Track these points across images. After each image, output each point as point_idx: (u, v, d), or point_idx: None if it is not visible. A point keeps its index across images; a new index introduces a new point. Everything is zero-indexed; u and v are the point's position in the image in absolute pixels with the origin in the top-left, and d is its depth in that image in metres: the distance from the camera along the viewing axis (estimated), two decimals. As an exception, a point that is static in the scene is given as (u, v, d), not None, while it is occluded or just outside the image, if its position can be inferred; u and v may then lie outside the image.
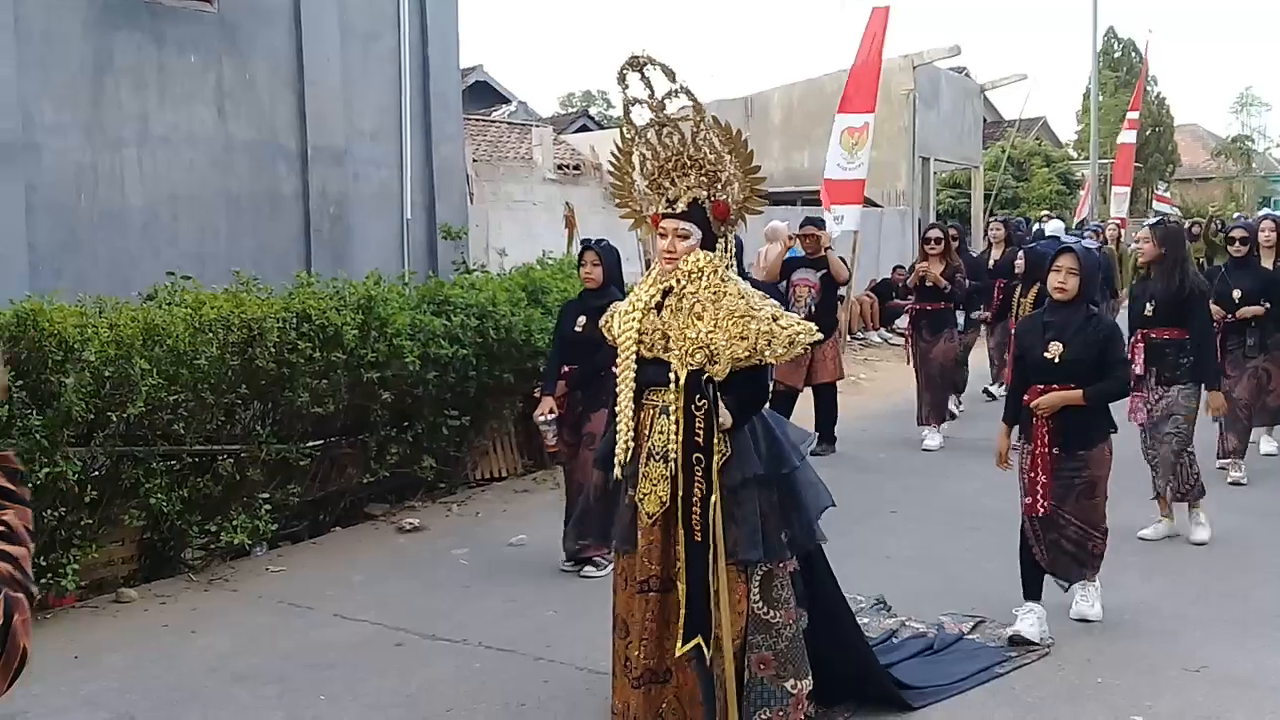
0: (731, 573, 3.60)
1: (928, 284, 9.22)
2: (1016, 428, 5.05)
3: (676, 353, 3.62)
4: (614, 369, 3.84)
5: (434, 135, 11.40)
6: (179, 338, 5.82)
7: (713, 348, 3.56)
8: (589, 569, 5.88)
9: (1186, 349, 6.17)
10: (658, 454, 3.66)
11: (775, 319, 3.59)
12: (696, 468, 3.61)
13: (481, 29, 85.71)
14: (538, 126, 19.73)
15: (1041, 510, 4.87)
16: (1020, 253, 9.60)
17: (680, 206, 3.66)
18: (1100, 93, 31.84)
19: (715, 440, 3.58)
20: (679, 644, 3.63)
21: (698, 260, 3.63)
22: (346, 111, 10.60)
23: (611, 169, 3.85)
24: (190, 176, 9.47)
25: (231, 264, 8.43)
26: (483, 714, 4.30)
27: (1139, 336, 6.31)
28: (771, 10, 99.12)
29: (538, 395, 6.08)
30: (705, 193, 3.66)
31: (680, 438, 3.62)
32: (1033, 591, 4.96)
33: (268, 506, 6.21)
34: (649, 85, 3.58)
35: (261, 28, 9.97)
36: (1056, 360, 4.82)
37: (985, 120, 29.33)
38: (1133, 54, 34.62)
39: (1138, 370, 6.11)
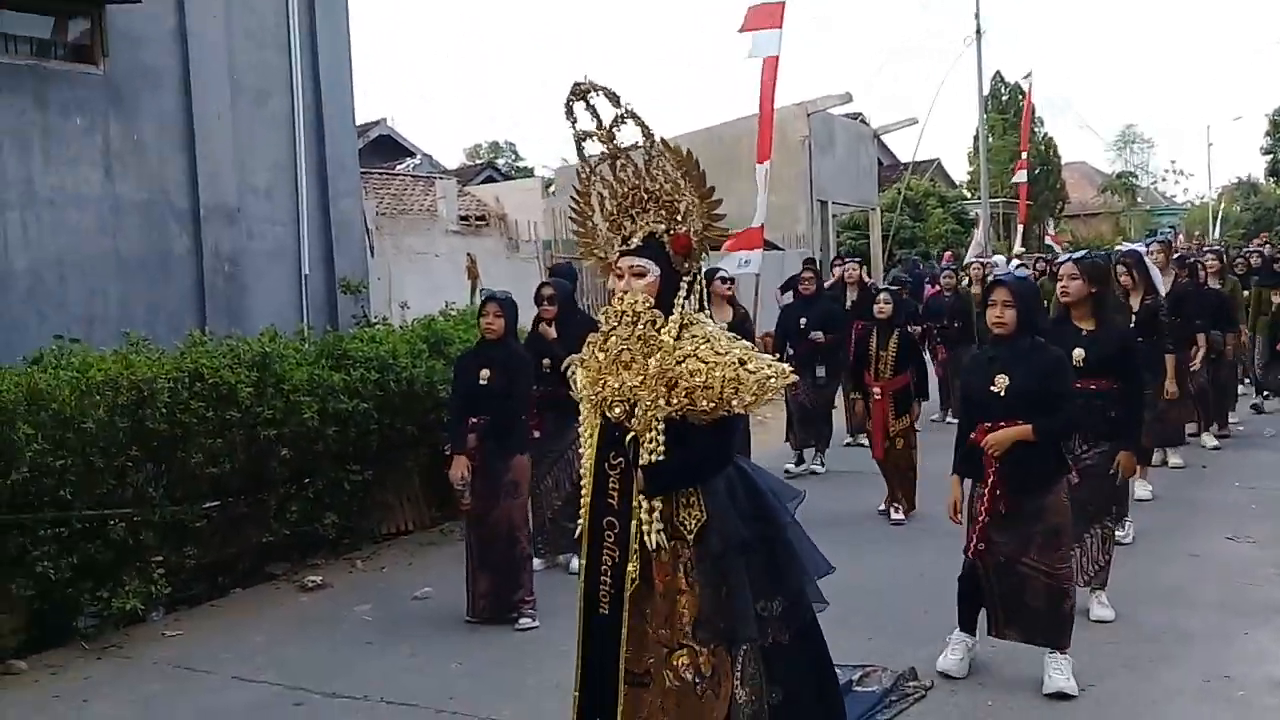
0: (719, 654, 3.24)
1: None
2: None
3: (592, 402, 3.34)
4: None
5: (331, 190, 11.35)
6: (64, 401, 5.70)
7: (635, 402, 3.23)
8: (523, 620, 5.75)
9: (1114, 402, 5.45)
10: None
11: (743, 363, 3.21)
12: (608, 532, 3.30)
13: (386, 84, 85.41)
14: (441, 179, 19.77)
15: (974, 553, 4.69)
16: (883, 294, 8.10)
17: (635, 242, 3.34)
18: (990, 135, 32.92)
19: (635, 504, 3.24)
20: None
21: (633, 302, 3.30)
22: (239, 169, 10.50)
23: (572, 214, 3.56)
24: (77, 239, 9.29)
25: (123, 326, 8.29)
26: (383, 769, 4.25)
27: None
28: (673, 62, 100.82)
29: (448, 453, 5.95)
30: (664, 226, 3.33)
31: (589, 498, 3.33)
32: (967, 623, 4.91)
33: (162, 570, 6.07)
34: (595, 115, 3.30)
35: (149, 89, 9.86)
36: (1002, 393, 4.60)
37: (881, 163, 30.17)
38: (1019, 97, 35.90)
39: None
